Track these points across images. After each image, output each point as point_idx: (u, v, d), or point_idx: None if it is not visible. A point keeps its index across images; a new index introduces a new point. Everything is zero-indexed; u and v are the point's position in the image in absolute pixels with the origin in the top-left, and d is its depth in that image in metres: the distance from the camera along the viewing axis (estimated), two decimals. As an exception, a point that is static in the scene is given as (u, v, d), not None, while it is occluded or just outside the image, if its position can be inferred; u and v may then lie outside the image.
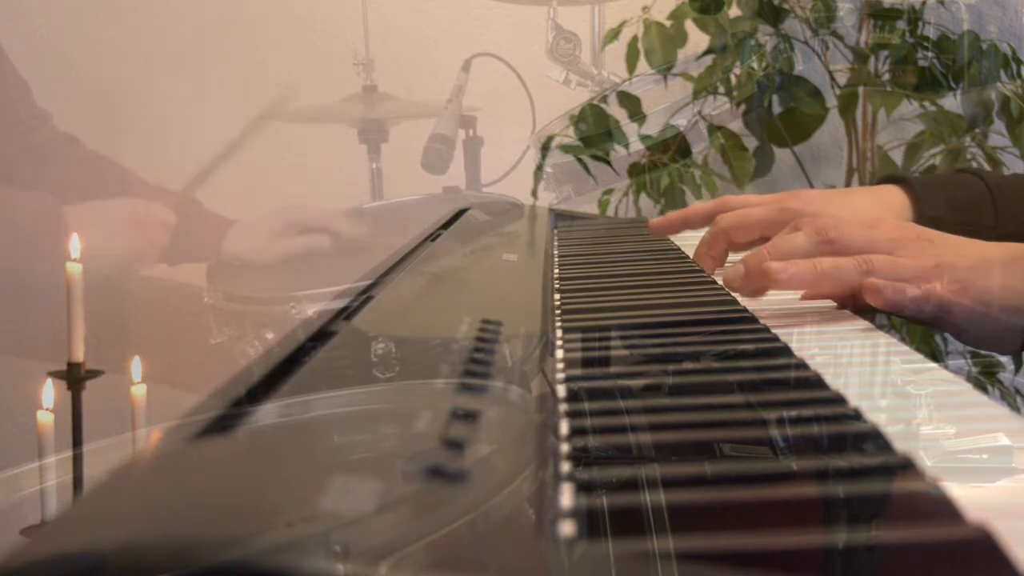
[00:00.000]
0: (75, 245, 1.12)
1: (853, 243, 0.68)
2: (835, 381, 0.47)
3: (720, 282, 0.76)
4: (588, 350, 0.58)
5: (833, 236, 0.69)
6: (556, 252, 0.96)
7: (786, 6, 1.63)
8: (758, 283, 0.68)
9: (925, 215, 0.85)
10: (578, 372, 0.51)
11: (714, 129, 1.59)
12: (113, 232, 1.47)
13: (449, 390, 0.44)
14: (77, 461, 1.06)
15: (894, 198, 0.87)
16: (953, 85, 1.60)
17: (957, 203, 0.86)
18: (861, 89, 1.64)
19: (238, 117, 1.84)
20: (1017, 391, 1.65)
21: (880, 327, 0.64)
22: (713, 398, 0.46)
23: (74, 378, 1.09)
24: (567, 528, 0.31)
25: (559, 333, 0.59)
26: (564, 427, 0.41)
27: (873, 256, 0.66)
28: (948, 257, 0.66)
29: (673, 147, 1.57)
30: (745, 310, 0.65)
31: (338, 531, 0.28)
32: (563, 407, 0.43)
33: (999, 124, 1.61)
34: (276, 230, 1.54)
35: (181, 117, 1.87)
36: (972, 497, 0.33)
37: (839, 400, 0.44)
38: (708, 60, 1.64)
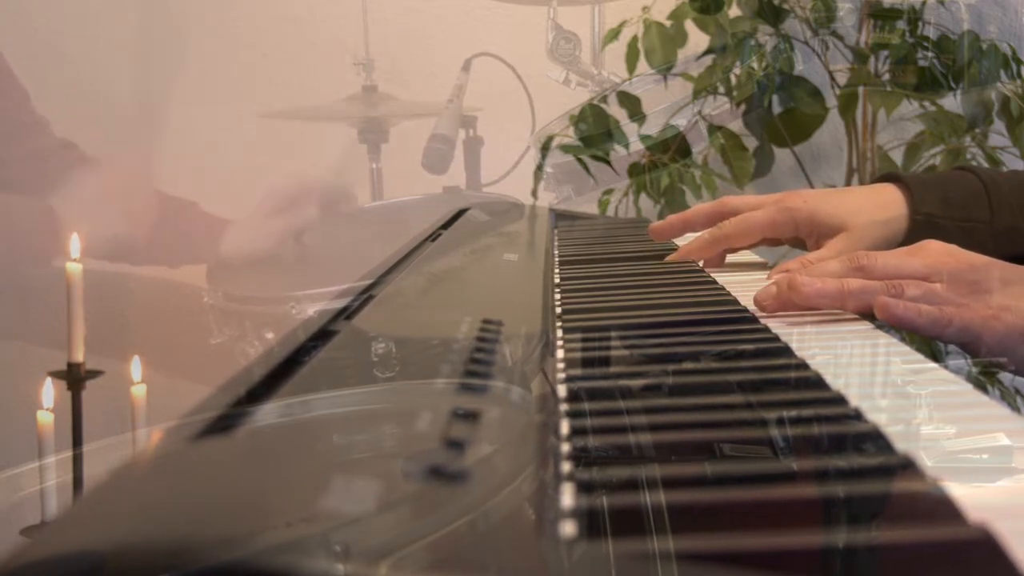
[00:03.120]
0: (75, 245, 1.12)
1: (886, 270, 0.67)
2: (835, 381, 0.47)
3: (720, 281, 0.76)
4: (588, 350, 0.58)
5: (865, 263, 0.67)
6: (556, 252, 0.96)
7: (786, 6, 1.63)
8: (786, 297, 0.66)
9: (920, 212, 0.85)
10: (578, 372, 0.51)
11: (714, 129, 1.59)
12: (105, 198, 1.47)
13: (450, 390, 0.44)
14: (77, 461, 1.06)
15: (890, 196, 0.86)
16: (953, 85, 1.60)
17: (952, 200, 0.86)
18: (861, 89, 1.64)
19: (238, 118, 1.84)
20: (1017, 391, 1.65)
21: (880, 327, 0.64)
22: (713, 398, 0.46)
23: (74, 378, 1.09)
24: (567, 528, 0.31)
25: (559, 333, 0.59)
26: (564, 427, 0.41)
27: (905, 281, 0.65)
28: (987, 284, 0.64)
29: (673, 147, 1.57)
30: (745, 310, 0.65)
31: (338, 531, 0.28)
32: (563, 407, 0.43)
33: (999, 124, 1.61)
34: (265, 213, 1.54)
35: (181, 117, 1.87)
36: (973, 497, 0.33)
37: (840, 400, 0.44)
38: (708, 60, 1.64)
